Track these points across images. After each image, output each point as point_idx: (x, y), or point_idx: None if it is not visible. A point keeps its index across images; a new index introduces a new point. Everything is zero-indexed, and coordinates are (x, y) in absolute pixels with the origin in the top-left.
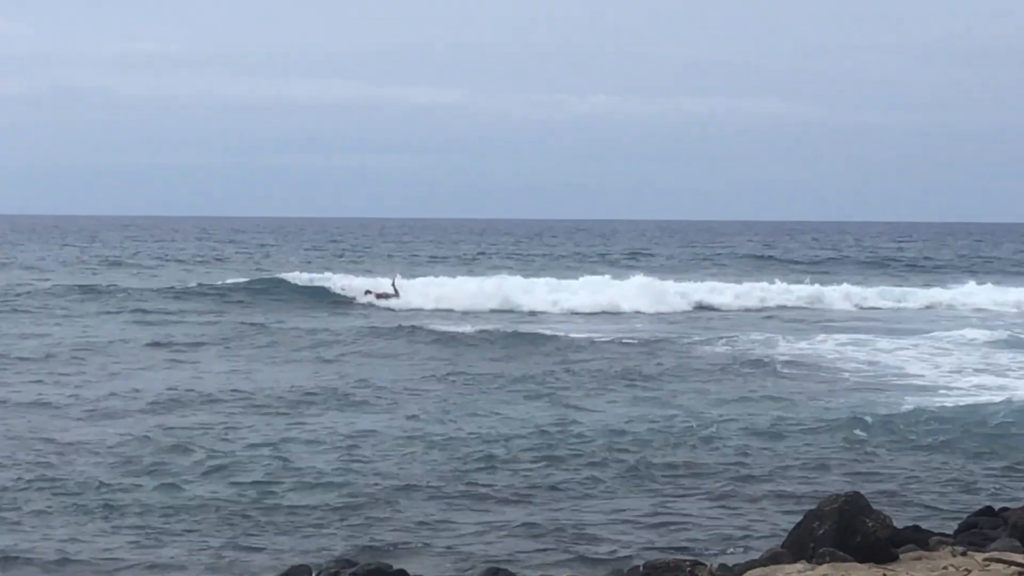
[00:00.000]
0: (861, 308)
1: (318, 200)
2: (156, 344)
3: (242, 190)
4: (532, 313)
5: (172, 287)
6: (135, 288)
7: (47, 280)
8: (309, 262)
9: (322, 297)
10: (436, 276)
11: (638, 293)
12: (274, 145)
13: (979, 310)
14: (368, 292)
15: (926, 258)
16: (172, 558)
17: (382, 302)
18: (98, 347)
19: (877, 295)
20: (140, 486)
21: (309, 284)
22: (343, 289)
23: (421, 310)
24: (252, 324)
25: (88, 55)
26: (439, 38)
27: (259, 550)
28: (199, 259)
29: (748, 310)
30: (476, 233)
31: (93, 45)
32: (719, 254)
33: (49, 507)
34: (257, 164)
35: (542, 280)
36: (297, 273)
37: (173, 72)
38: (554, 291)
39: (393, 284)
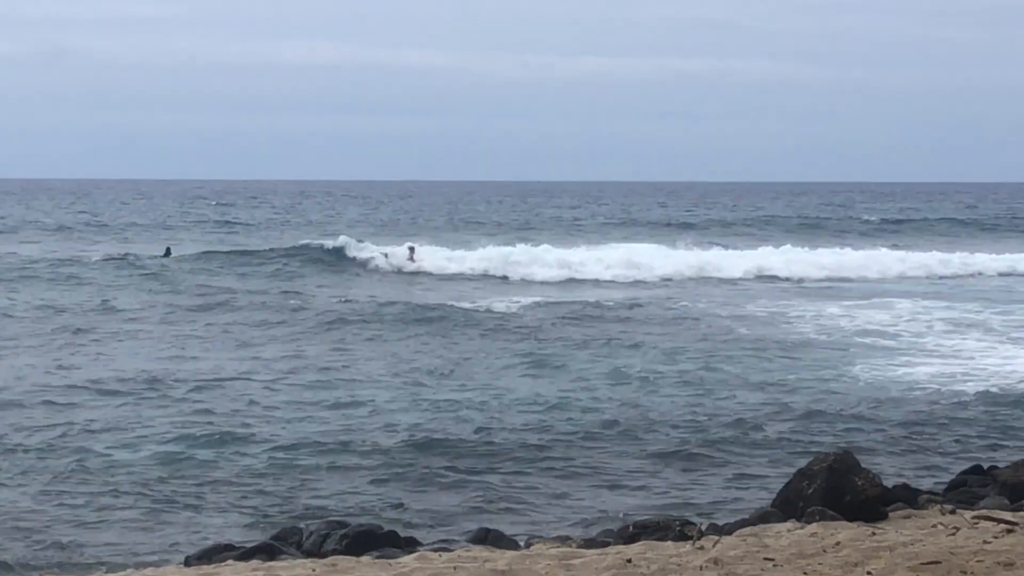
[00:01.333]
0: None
1: (306, 162)
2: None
3: (231, 152)
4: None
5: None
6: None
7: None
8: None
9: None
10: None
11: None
12: (263, 107)
13: None
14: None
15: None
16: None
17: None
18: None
19: None
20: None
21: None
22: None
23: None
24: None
25: (76, 17)
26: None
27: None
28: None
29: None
30: (496, 199)
31: (82, 6)
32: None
33: None
34: (246, 126)
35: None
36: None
37: (163, 34)
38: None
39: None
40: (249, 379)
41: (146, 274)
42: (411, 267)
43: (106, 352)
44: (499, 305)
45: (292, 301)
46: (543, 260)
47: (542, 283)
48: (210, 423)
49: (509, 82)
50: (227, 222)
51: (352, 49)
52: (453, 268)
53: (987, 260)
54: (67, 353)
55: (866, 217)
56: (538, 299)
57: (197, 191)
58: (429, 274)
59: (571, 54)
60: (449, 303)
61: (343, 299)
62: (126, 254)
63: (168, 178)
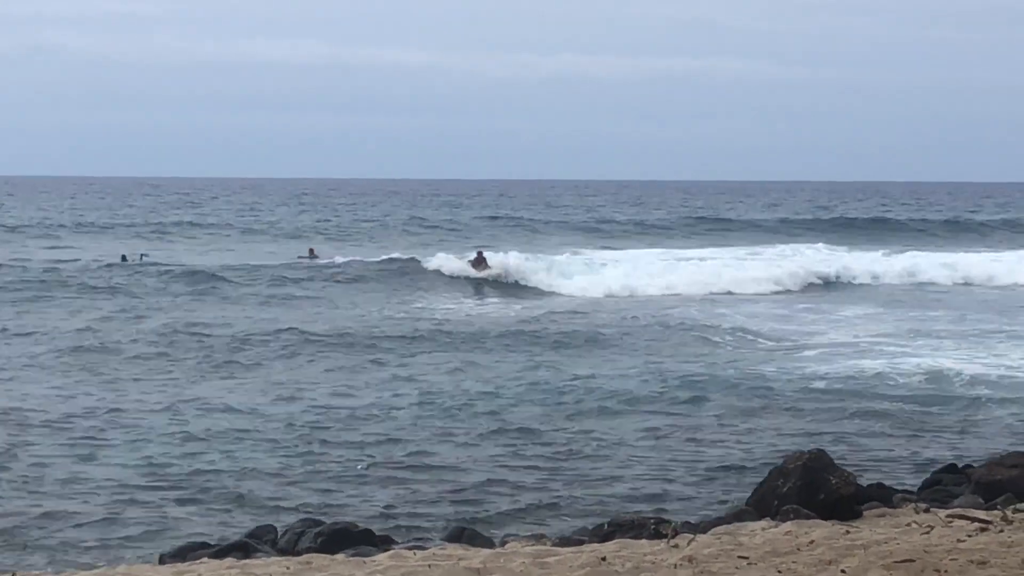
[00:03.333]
0: None
1: (287, 160)
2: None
3: (211, 149)
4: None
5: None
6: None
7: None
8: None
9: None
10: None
11: None
12: (242, 105)
13: None
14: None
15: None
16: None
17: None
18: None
19: None
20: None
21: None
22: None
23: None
24: None
25: (57, 14)
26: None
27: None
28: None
29: None
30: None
31: (62, 4)
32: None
33: None
34: (226, 123)
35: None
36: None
37: (143, 32)
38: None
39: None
40: (226, 397)
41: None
42: (479, 273)
43: None
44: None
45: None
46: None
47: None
48: (185, 425)
49: (489, 80)
50: (190, 223)
51: (331, 48)
52: (578, 288)
53: None
54: None
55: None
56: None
57: (153, 189)
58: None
59: (549, 52)
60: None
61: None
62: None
63: (149, 175)
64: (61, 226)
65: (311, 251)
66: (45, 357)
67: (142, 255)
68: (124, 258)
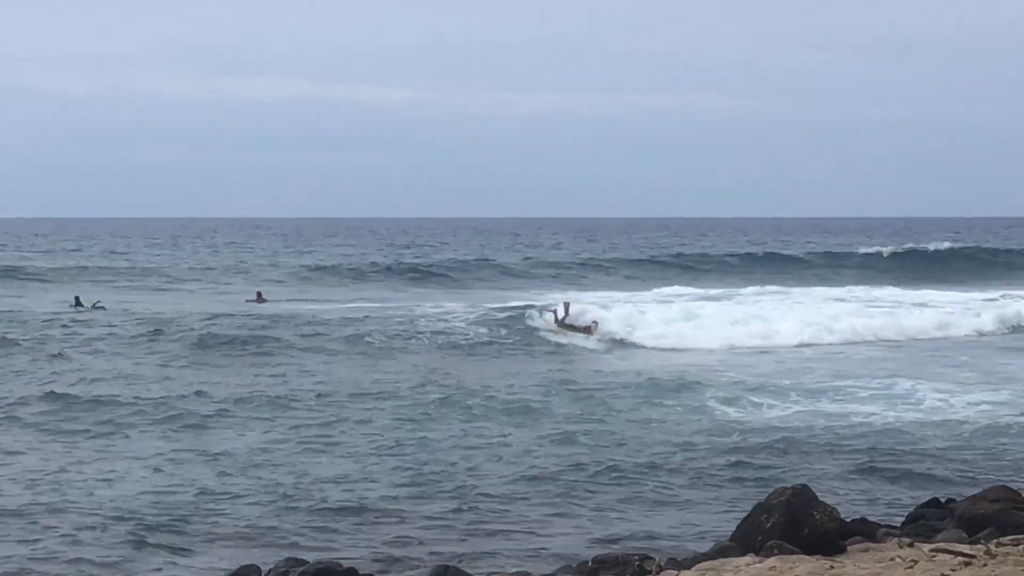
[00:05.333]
0: None
1: (266, 199)
2: None
3: (189, 189)
4: None
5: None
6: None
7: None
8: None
9: None
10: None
11: None
12: (221, 144)
13: None
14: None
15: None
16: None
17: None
18: None
19: None
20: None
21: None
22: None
23: None
24: None
25: (31, 55)
26: (383, 37)
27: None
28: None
29: None
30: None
31: (35, 45)
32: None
33: None
34: (204, 163)
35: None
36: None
37: (118, 71)
38: None
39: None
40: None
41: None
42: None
43: None
44: None
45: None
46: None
47: None
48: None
49: (467, 118)
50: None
51: (308, 86)
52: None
53: None
54: None
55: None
56: None
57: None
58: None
59: (528, 90)
60: None
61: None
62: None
63: (121, 216)
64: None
65: (259, 295)
66: None
67: (96, 303)
68: (77, 301)
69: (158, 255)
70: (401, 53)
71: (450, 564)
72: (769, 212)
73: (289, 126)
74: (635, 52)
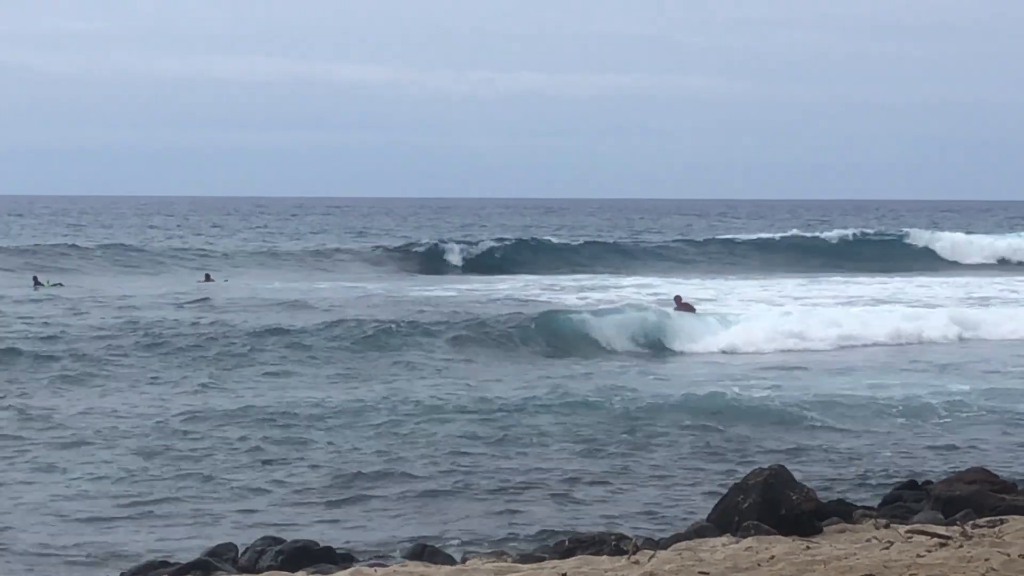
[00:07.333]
0: None
1: (246, 179)
2: None
3: (169, 169)
4: None
5: None
6: None
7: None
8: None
9: None
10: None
11: None
12: (200, 123)
13: None
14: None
15: None
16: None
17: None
18: None
19: None
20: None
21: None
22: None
23: None
24: None
25: (9, 32)
26: (363, 14)
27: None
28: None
29: None
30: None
31: (15, 22)
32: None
33: None
34: (183, 142)
35: None
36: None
37: (97, 50)
38: None
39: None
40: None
41: None
42: None
43: None
44: None
45: None
46: None
47: None
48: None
49: (448, 97)
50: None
51: (289, 64)
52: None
53: None
54: None
55: None
56: None
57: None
58: None
59: (507, 70)
60: None
61: None
62: None
63: (107, 194)
64: None
65: (207, 276)
66: None
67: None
68: (36, 281)
69: (135, 233)
70: (381, 31)
71: (427, 544)
72: (751, 195)
73: (268, 104)
74: (618, 33)
